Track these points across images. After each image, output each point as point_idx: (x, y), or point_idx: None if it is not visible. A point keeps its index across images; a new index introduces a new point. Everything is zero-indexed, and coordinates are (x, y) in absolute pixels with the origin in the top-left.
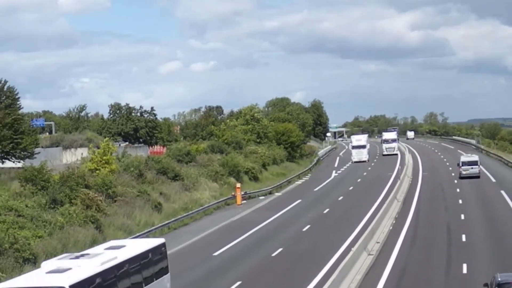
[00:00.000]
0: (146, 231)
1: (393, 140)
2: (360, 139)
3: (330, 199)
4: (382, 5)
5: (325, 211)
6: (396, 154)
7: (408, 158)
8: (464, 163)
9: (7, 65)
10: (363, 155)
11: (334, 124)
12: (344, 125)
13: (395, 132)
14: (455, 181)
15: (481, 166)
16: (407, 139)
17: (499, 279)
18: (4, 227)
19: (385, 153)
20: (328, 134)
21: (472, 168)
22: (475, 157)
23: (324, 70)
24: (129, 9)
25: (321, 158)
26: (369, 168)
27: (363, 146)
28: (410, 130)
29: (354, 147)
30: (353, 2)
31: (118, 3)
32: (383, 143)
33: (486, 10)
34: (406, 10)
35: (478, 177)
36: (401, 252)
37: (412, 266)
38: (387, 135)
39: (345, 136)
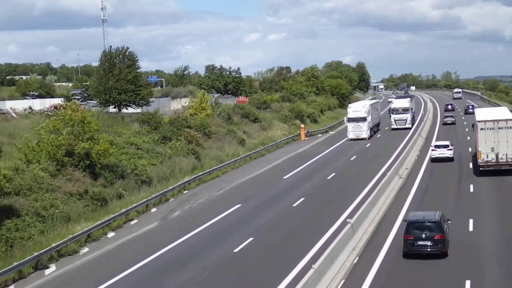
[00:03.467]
0: (233, 160)
1: (405, 110)
2: (359, 109)
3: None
4: None
5: (367, 146)
6: (409, 128)
7: (429, 105)
8: (454, 92)
9: (130, 36)
10: (362, 130)
11: (374, 80)
12: (381, 81)
13: (408, 99)
14: (465, 123)
15: (462, 96)
16: (411, 91)
17: None
18: (127, 157)
19: (394, 126)
20: (381, 86)
21: (458, 93)
22: (460, 90)
23: (367, 39)
24: None
25: None
26: None
27: (363, 119)
28: (413, 85)
29: (350, 120)
30: None
31: None
32: (392, 113)
33: None
34: None
35: (461, 98)
36: (424, 176)
37: (432, 185)
38: (397, 103)
39: (383, 89)
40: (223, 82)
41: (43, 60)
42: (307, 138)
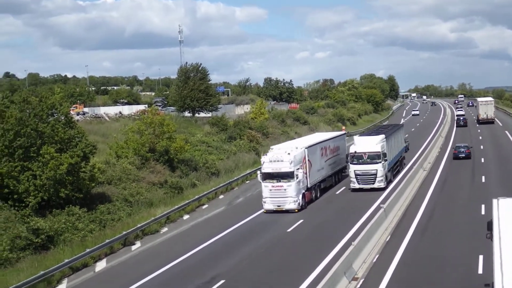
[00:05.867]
0: None
1: (373, 158)
2: (281, 158)
3: None
4: (432, 17)
5: None
6: (384, 188)
7: (448, 111)
8: (459, 96)
9: (203, 53)
10: (286, 196)
11: (402, 90)
12: (408, 91)
13: (381, 138)
14: (477, 125)
15: (464, 99)
16: (423, 101)
17: None
18: (199, 153)
19: (354, 186)
20: (414, 95)
21: (461, 97)
22: (462, 95)
23: (396, 56)
24: (278, 19)
25: (394, 111)
26: (424, 117)
27: (287, 176)
28: (424, 94)
29: (265, 176)
30: (414, 15)
31: (272, 16)
32: (351, 162)
33: (497, 20)
34: (447, 20)
35: (463, 100)
36: (444, 168)
37: (451, 177)
38: (359, 144)
39: (415, 97)
40: (278, 91)
41: (131, 73)
42: (347, 137)
